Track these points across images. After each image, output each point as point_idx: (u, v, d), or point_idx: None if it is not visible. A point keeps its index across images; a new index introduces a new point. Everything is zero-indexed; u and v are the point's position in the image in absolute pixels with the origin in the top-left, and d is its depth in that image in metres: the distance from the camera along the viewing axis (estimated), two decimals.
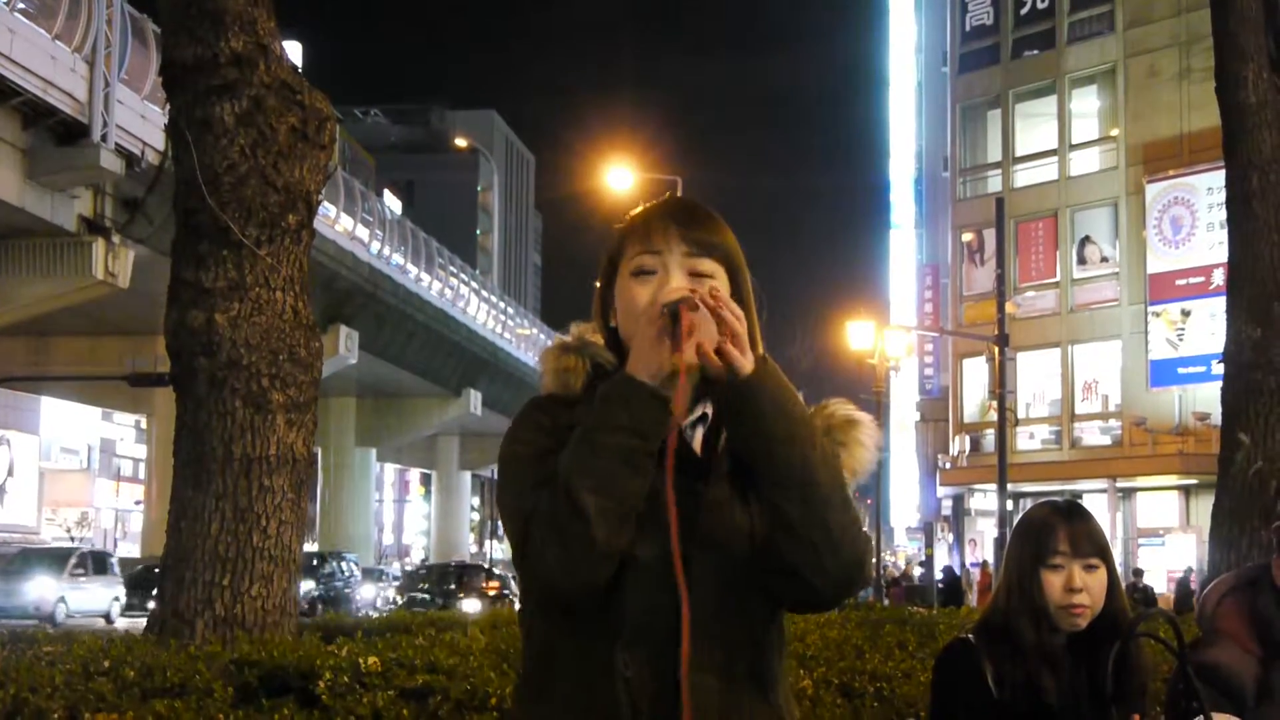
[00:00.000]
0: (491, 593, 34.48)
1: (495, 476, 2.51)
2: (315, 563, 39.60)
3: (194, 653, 5.04)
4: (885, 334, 37.13)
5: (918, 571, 50.67)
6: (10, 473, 59.95)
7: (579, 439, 2.14)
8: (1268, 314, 9.45)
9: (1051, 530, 3.12)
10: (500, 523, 2.30)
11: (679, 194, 2.44)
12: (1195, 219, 35.80)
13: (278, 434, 6.61)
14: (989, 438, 37.33)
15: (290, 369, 6.71)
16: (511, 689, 2.45)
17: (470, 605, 29.26)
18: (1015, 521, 3.32)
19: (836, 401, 2.45)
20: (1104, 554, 3.12)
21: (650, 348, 2.15)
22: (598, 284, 2.40)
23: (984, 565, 35.70)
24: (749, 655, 2.25)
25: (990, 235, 35.67)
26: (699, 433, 2.30)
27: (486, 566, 42.30)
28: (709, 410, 2.30)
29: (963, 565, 40.51)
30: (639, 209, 2.41)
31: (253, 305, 6.67)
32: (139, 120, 28.97)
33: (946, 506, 48.47)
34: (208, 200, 6.65)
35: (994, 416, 30.38)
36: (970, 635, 3.15)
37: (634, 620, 2.17)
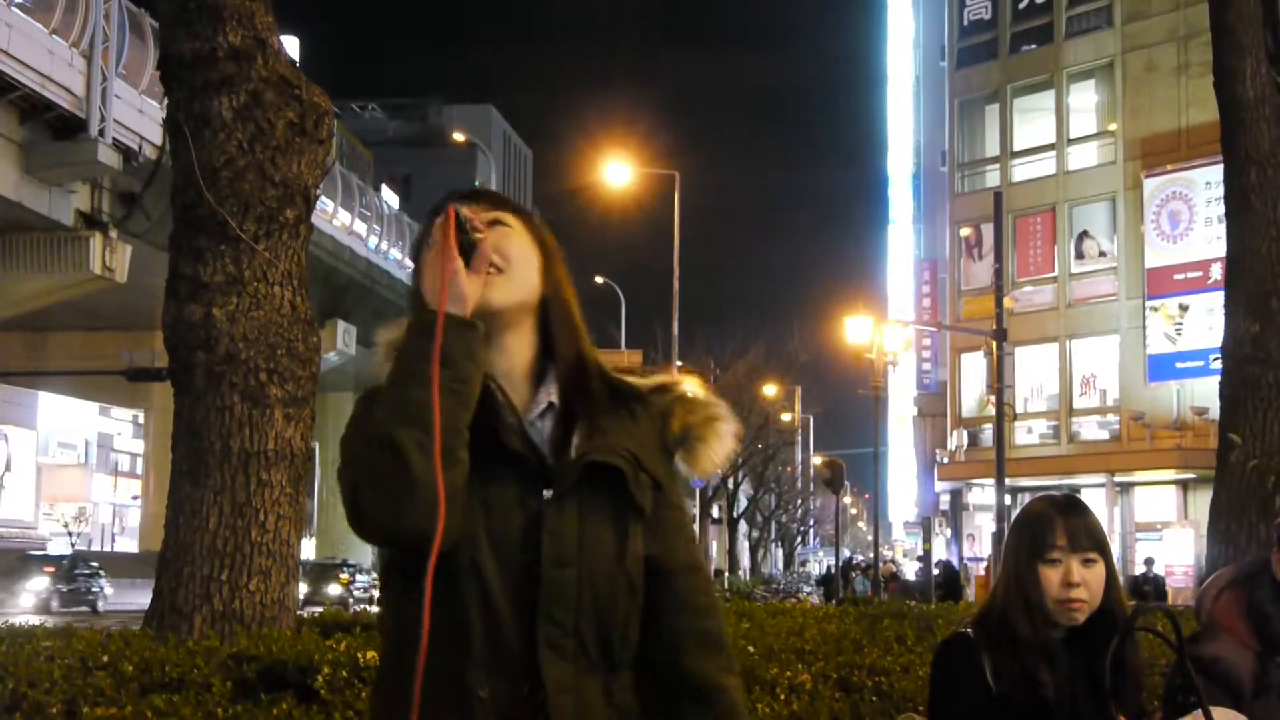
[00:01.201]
0: None
1: None
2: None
3: (192, 647, 5.04)
4: (883, 329, 37.13)
5: (914, 566, 50.69)
6: (8, 468, 59.93)
7: (389, 379, 2.10)
8: (1266, 308, 9.46)
9: (1049, 525, 3.12)
10: None
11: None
12: (1193, 213, 35.83)
13: (276, 429, 6.60)
14: (987, 432, 37.35)
15: (288, 364, 6.70)
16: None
17: None
18: (1013, 516, 3.33)
19: (679, 383, 2.37)
20: (1102, 548, 3.12)
21: (431, 268, 2.14)
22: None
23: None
24: (605, 676, 2.18)
25: (988, 230, 35.68)
26: (546, 427, 2.23)
27: None
28: (554, 399, 2.24)
29: (961, 560, 40.54)
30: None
31: (250, 300, 6.66)
32: (136, 115, 28.99)
33: (944, 501, 48.56)
34: (205, 195, 6.63)
35: (992, 411, 30.39)
36: (969, 630, 3.16)
37: (482, 638, 2.10)
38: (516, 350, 2.24)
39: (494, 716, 2.09)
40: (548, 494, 2.15)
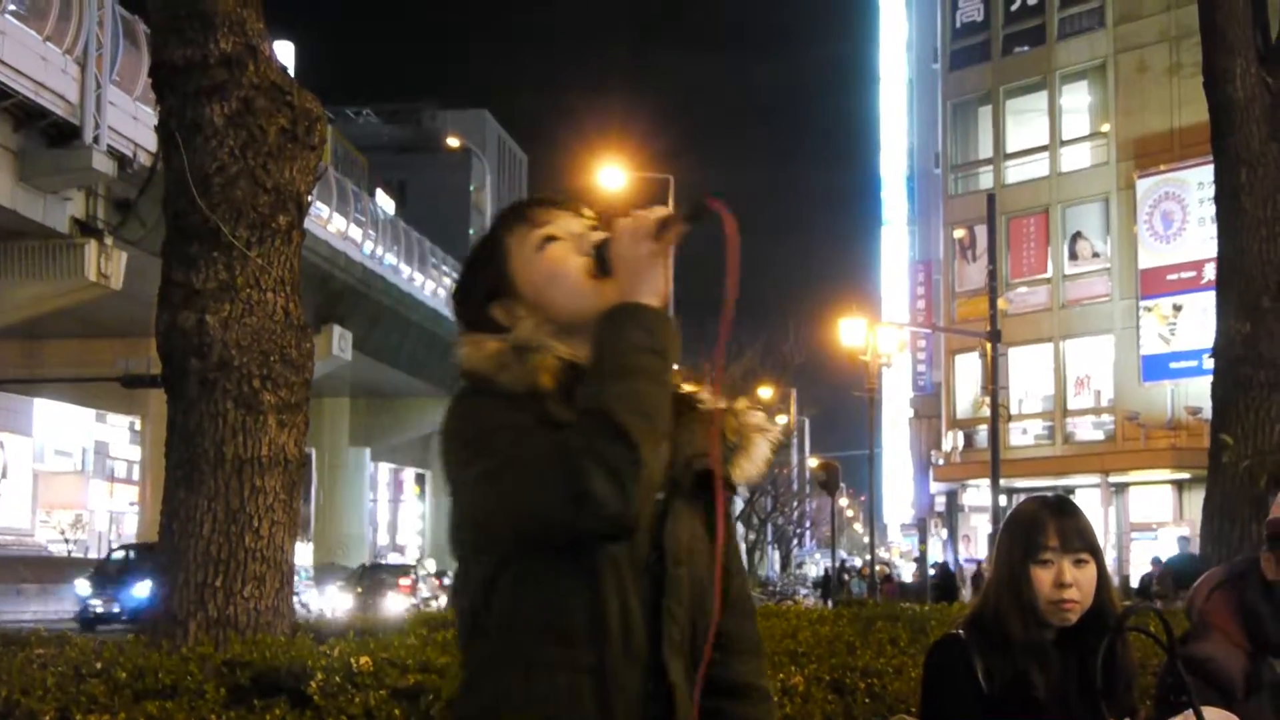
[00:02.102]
0: (404, 593, 35.47)
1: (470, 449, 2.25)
2: None
3: (186, 654, 5.04)
4: (877, 331, 37.12)
5: (911, 568, 50.73)
6: (4, 475, 59.90)
7: (603, 367, 2.10)
8: (1257, 308, 9.47)
9: (1041, 526, 3.13)
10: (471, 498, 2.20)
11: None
12: (1186, 214, 35.86)
13: (269, 435, 6.61)
14: (982, 434, 37.38)
15: (282, 370, 6.70)
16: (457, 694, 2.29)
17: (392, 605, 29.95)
18: (1005, 517, 3.34)
19: (746, 406, 2.47)
20: (1093, 549, 3.13)
21: (648, 267, 2.15)
22: (457, 287, 2.42)
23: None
24: (690, 672, 2.23)
25: (982, 231, 35.69)
26: None
27: (411, 564, 43.16)
28: None
29: (956, 561, 40.56)
30: (505, 208, 2.44)
31: (244, 306, 6.66)
32: (131, 122, 28.95)
33: (940, 503, 48.58)
34: (198, 201, 6.64)
35: (987, 412, 30.41)
36: (960, 631, 3.16)
37: (618, 632, 2.15)
38: None
39: (630, 710, 2.14)
40: (661, 495, 2.19)
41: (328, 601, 34.18)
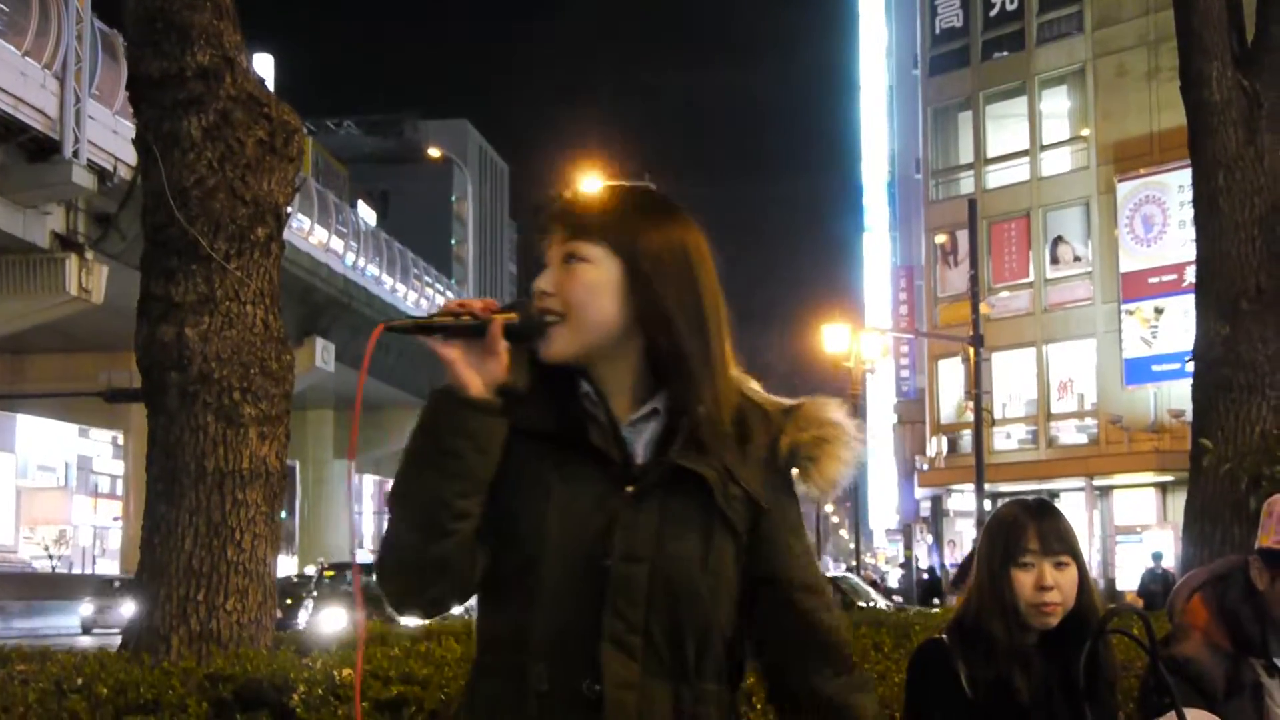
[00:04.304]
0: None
1: None
2: None
3: (168, 668, 5.03)
4: (860, 337, 37.20)
5: (898, 574, 50.78)
6: None
7: (406, 458, 2.13)
8: (1236, 310, 9.48)
9: (1021, 529, 3.13)
10: None
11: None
12: (1167, 217, 35.95)
13: (250, 448, 6.60)
14: (966, 438, 37.41)
15: (262, 382, 6.69)
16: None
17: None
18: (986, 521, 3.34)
19: (812, 404, 2.31)
20: (1074, 551, 3.14)
21: (443, 361, 2.13)
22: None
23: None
24: (676, 683, 2.14)
25: (963, 237, 35.76)
26: (646, 431, 2.19)
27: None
28: (660, 406, 2.19)
29: (942, 566, 40.60)
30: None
31: (223, 319, 6.66)
32: (111, 136, 28.87)
33: (925, 508, 48.57)
34: (176, 214, 6.63)
35: (971, 417, 30.47)
36: (943, 635, 3.16)
37: (548, 633, 2.10)
38: (623, 369, 2.19)
39: (553, 712, 2.08)
40: (629, 490, 2.13)
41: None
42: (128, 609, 34.47)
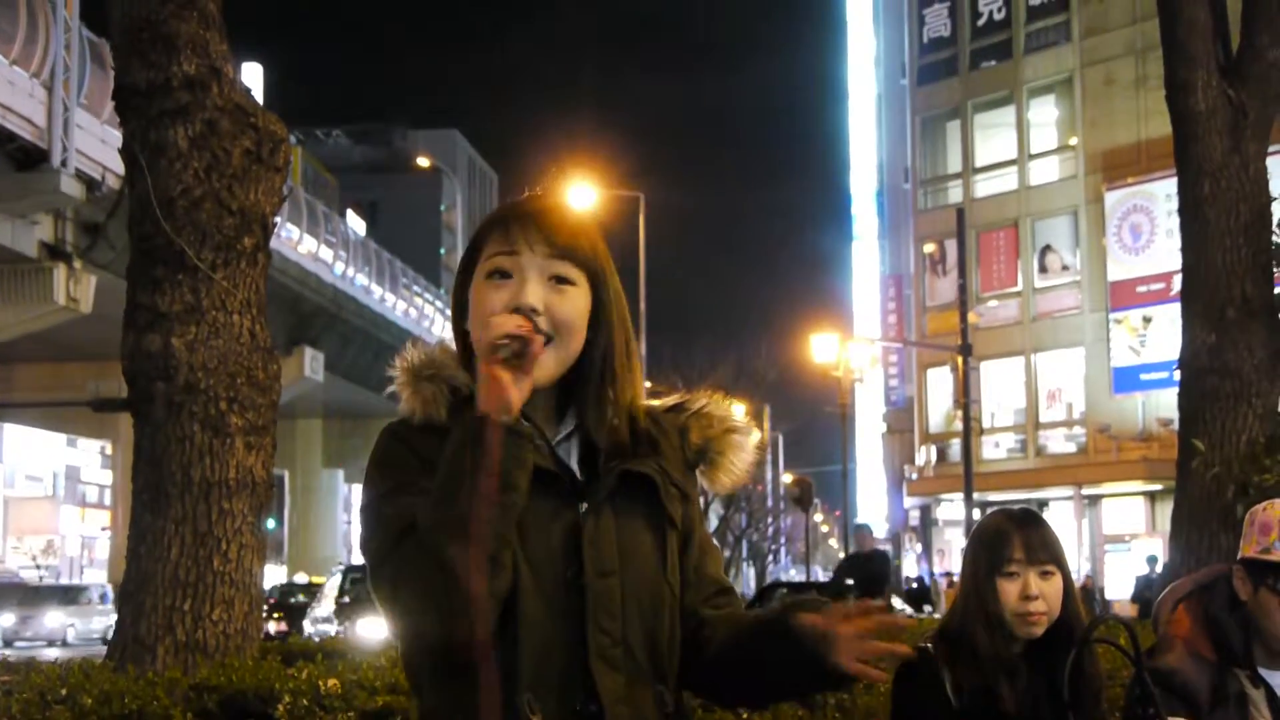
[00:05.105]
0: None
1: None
2: None
3: (153, 679, 5.01)
4: (849, 346, 37.28)
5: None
6: None
7: (438, 488, 2.00)
8: (1222, 319, 9.50)
9: (1006, 538, 3.13)
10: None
11: (546, 197, 2.20)
12: (1154, 225, 36.03)
13: (237, 458, 6.59)
14: (955, 447, 37.45)
15: (248, 392, 6.69)
16: None
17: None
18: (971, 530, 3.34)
19: (712, 402, 2.36)
20: (1059, 561, 3.14)
21: (493, 385, 2.00)
22: (455, 282, 2.28)
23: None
24: (655, 686, 2.16)
25: (952, 246, 35.79)
26: (573, 449, 2.20)
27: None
28: (574, 423, 2.21)
29: (931, 575, 40.63)
30: (501, 205, 2.30)
31: (210, 329, 6.65)
32: (99, 145, 28.80)
33: (914, 517, 48.63)
34: (162, 224, 6.63)
35: (959, 426, 30.48)
36: (929, 644, 3.16)
37: (531, 659, 2.06)
38: (545, 391, 2.16)
39: None
40: (584, 507, 2.13)
41: None
42: (53, 619, 33.52)
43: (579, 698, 2.07)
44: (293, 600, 31.77)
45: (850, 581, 15.23)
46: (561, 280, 2.15)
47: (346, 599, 25.39)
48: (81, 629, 34.66)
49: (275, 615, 27.97)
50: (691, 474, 2.31)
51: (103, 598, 36.67)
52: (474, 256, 2.21)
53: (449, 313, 2.32)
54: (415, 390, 2.19)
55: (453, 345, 2.28)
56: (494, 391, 2.00)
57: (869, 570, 15.53)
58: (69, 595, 37.12)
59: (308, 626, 25.50)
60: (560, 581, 2.09)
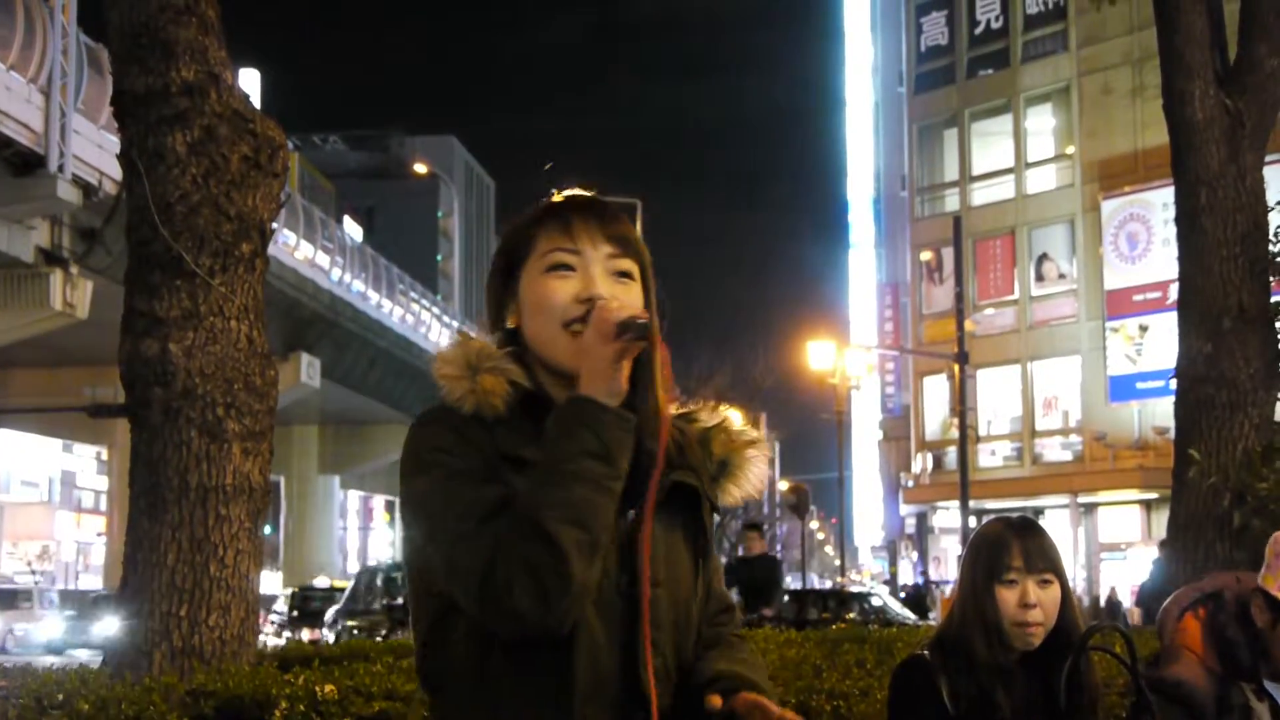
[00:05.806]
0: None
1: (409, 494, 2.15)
2: None
3: (149, 684, 4.99)
4: (846, 353, 37.30)
5: (881, 590, 50.73)
6: None
7: (545, 469, 1.98)
8: (1218, 328, 9.53)
9: (1005, 546, 3.13)
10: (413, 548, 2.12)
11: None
12: (1151, 234, 36.06)
13: (234, 463, 6.58)
14: (951, 455, 37.44)
15: (245, 398, 6.68)
16: None
17: None
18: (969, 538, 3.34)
19: (729, 414, 2.37)
20: (1057, 569, 3.14)
21: (609, 368, 2.02)
22: (490, 278, 2.27)
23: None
24: (674, 699, 2.14)
25: (949, 254, 35.82)
26: None
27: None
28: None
29: (926, 582, 40.62)
30: (549, 201, 2.29)
31: (207, 334, 6.64)
32: (96, 150, 28.79)
33: (910, 524, 48.63)
34: (160, 230, 6.62)
35: (955, 434, 30.49)
36: (926, 652, 3.16)
37: (588, 667, 2.03)
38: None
39: None
40: (630, 514, 2.09)
41: None
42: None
43: (630, 709, 2.05)
44: (314, 605, 31.50)
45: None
46: (624, 276, 2.17)
47: (384, 601, 25.00)
48: (20, 636, 32.72)
49: (293, 619, 28.09)
50: (713, 485, 2.30)
51: (49, 602, 35.15)
52: (522, 252, 2.20)
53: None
54: (472, 381, 2.12)
55: (487, 342, 2.22)
56: (604, 374, 2.02)
57: (755, 576, 14.52)
58: (7, 599, 34.89)
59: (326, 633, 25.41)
60: (614, 589, 2.06)
